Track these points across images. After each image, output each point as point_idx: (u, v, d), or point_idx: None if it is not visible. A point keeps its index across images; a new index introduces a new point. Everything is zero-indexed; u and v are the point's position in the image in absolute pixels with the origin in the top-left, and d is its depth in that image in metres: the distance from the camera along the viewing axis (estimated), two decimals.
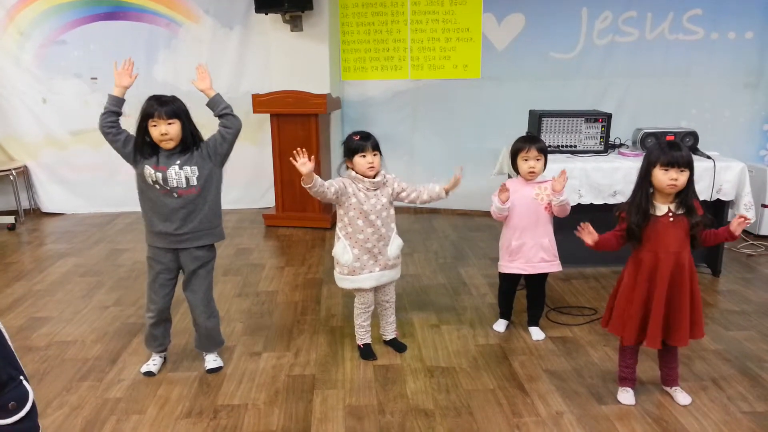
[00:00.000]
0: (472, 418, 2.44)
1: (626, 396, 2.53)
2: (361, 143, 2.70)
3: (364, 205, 2.73)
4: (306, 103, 4.88)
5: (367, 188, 2.74)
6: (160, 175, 2.56)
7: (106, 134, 2.63)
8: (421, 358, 2.93)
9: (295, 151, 2.59)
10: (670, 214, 2.33)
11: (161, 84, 5.48)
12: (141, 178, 2.62)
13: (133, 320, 3.40)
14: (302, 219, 5.17)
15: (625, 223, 2.38)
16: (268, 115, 5.06)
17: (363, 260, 2.77)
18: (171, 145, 2.56)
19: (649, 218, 2.33)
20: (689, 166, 2.28)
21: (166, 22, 5.49)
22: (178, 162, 2.57)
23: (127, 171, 6.25)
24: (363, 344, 2.96)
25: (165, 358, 2.93)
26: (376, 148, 2.72)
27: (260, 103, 4.98)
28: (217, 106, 2.65)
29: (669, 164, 2.26)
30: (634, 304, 2.38)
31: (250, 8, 5.13)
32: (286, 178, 5.15)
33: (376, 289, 2.90)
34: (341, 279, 2.84)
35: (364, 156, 2.69)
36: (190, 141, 2.59)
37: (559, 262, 3.04)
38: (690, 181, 2.31)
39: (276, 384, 2.72)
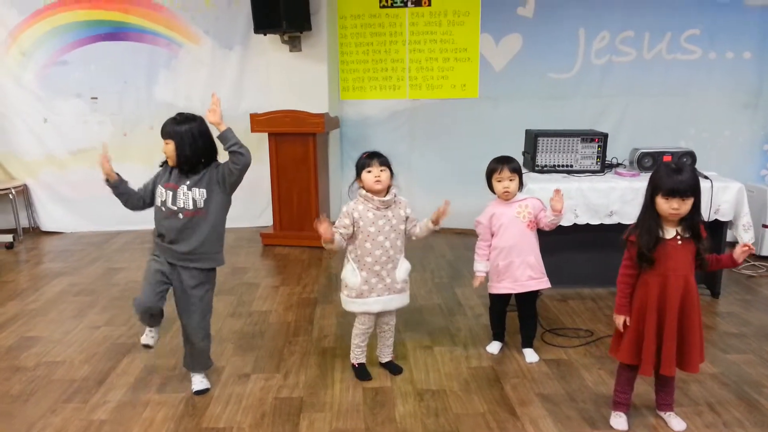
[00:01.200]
0: None
1: (619, 421, 2.48)
2: (367, 159, 2.73)
3: (371, 227, 2.71)
4: (303, 122, 4.89)
5: (377, 207, 2.72)
6: (171, 193, 2.61)
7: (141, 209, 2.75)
8: (412, 381, 2.88)
9: (316, 220, 2.62)
10: (678, 237, 2.29)
11: (161, 104, 5.53)
12: (149, 186, 2.71)
13: (122, 340, 3.38)
14: (299, 238, 5.15)
15: (634, 247, 2.33)
16: (266, 134, 5.07)
17: (371, 283, 2.75)
18: (171, 162, 2.63)
19: (659, 241, 2.28)
20: (694, 192, 2.23)
21: (166, 42, 5.54)
22: (188, 183, 2.61)
23: None
24: (358, 364, 2.93)
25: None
26: (384, 164, 2.73)
27: (258, 122, 4.99)
28: (226, 142, 2.59)
29: (670, 194, 2.22)
30: (647, 332, 2.31)
31: (250, 29, 5.17)
32: (283, 196, 5.15)
33: (380, 312, 2.86)
34: (349, 302, 2.81)
35: (370, 171, 2.70)
36: (189, 162, 2.59)
37: (547, 278, 3.02)
38: (695, 205, 2.25)
39: (263, 407, 2.68)
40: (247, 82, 5.58)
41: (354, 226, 2.72)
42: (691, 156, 3.95)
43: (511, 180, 2.94)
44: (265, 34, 5.12)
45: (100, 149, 6.03)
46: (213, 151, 2.66)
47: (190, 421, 2.57)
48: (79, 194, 5.72)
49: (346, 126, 5.65)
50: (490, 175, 3.01)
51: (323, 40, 5.19)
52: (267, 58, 5.38)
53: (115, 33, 5.49)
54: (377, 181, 2.69)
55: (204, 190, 2.61)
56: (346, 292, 2.80)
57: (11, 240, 5.28)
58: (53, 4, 5.37)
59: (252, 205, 5.76)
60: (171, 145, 2.59)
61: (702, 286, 4.00)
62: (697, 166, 3.99)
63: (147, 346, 2.80)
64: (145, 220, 5.69)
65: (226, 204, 2.71)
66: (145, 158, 5.12)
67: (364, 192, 2.74)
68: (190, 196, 2.60)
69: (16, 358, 3.18)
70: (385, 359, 3.00)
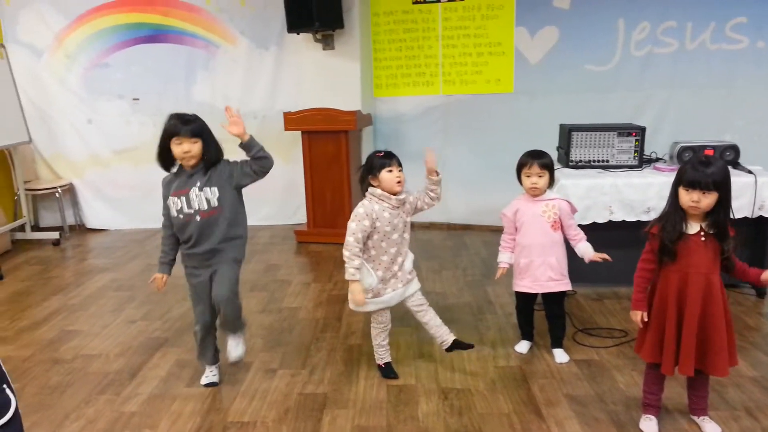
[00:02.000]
0: None
1: (649, 424, 2.39)
2: (386, 159, 2.68)
3: (388, 226, 2.69)
4: (335, 120, 4.91)
5: (393, 206, 2.70)
6: (183, 199, 2.62)
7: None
8: (437, 379, 2.85)
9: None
10: (702, 233, 2.20)
11: (199, 104, 5.64)
12: (166, 211, 2.70)
13: (157, 334, 3.46)
14: (333, 235, 5.16)
15: (656, 240, 2.25)
16: (300, 132, 5.11)
17: (385, 280, 2.75)
18: (192, 162, 2.62)
19: (681, 236, 2.20)
20: (718, 187, 2.12)
21: (204, 44, 5.65)
22: (198, 183, 2.62)
23: None
24: (384, 363, 2.92)
25: (219, 366, 2.94)
26: (400, 165, 2.71)
27: (291, 120, 5.04)
28: (252, 149, 2.61)
29: (691, 185, 2.13)
30: (668, 329, 2.24)
31: (284, 29, 5.21)
32: (317, 194, 5.18)
33: (406, 301, 2.82)
34: (367, 303, 2.74)
35: (391, 171, 2.66)
36: (212, 160, 2.63)
37: (568, 281, 2.95)
38: (721, 201, 2.15)
39: (287, 402, 2.70)
40: (281, 81, 5.64)
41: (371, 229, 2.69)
42: (735, 150, 3.79)
43: (540, 176, 2.88)
44: (298, 33, 5.16)
45: (142, 149, 6.22)
46: (218, 146, 2.68)
47: (216, 415, 2.61)
48: (122, 193, 5.90)
49: (379, 123, 5.64)
50: (519, 169, 2.95)
51: (356, 38, 5.20)
52: (301, 57, 5.42)
53: (155, 35, 5.63)
54: (399, 182, 2.67)
55: (215, 188, 2.62)
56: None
57: (58, 237, 5.48)
58: (96, 8, 5.54)
59: (287, 203, 5.83)
60: (199, 144, 2.59)
61: (747, 286, 3.83)
62: (743, 160, 3.83)
63: (212, 384, 2.85)
64: None
65: (239, 198, 2.73)
66: None
67: (379, 191, 2.69)
68: (203, 196, 2.62)
69: (56, 350, 3.30)
70: (448, 342, 2.85)
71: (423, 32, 5.33)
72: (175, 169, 2.69)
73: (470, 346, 2.89)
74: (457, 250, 4.95)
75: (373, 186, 2.72)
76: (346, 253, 2.66)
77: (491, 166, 5.32)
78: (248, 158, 2.65)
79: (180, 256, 2.77)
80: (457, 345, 2.88)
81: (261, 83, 5.66)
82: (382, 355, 2.91)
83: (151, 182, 5.81)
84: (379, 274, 2.73)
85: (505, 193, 4.98)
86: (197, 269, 2.73)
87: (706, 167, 2.12)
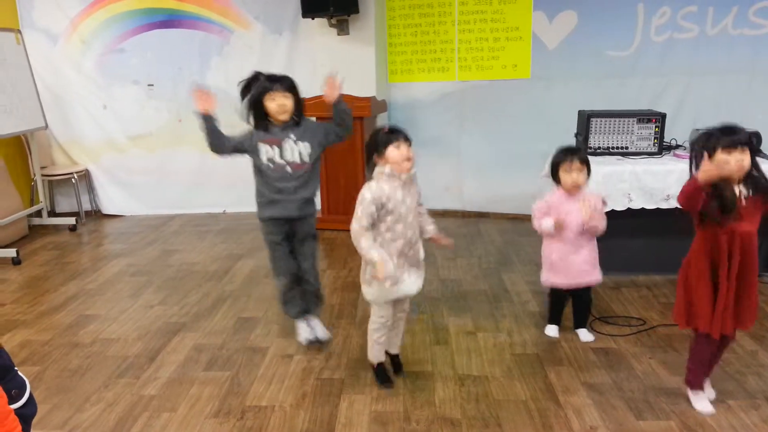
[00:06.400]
0: (500, 429, 2.35)
1: (704, 403, 2.40)
2: (392, 135, 2.41)
3: (402, 206, 2.43)
4: (350, 106, 4.86)
5: (404, 183, 2.44)
6: (277, 149, 2.73)
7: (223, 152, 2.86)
8: (453, 366, 2.85)
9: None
10: (743, 196, 2.19)
11: (214, 90, 5.61)
12: (256, 157, 2.79)
13: (175, 319, 3.48)
14: (347, 222, 5.08)
15: (711, 200, 2.19)
16: (314, 119, 5.08)
17: (403, 267, 2.51)
18: (286, 117, 2.72)
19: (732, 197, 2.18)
20: (749, 144, 2.14)
21: (218, 29, 5.62)
22: (293, 136, 2.75)
23: (180, 172, 6.33)
24: (378, 363, 2.71)
25: (311, 322, 3.13)
26: (409, 141, 2.44)
27: (305, 107, 4.99)
28: (341, 104, 2.84)
29: (732, 145, 2.12)
30: (729, 291, 2.22)
31: (298, 13, 5.18)
32: (331, 181, 5.17)
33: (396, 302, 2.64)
34: (386, 293, 2.50)
35: (399, 147, 2.39)
36: (301, 115, 2.78)
37: (599, 270, 2.94)
38: (753, 159, 2.16)
39: (304, 387, 2.71)
40: (296, 67, 5.58)
41: (381, 210, 2.42)
42: (757, 137, 3.71)
43: (580, 171, 2.83)
44: (313, 18, 5.13)
45: (157, 135, 6.23)
46: (303, 105, 2.82)
47: (235, 399, 2.63)
48: (137, 178, 5.92)
49: (394, 109, 5.60)
50: (556, 166, 2.88)
51: (371, 23, 5.15)
52: (315, 43, 5.38)
53: (170, 20, 5.62)
54: (408, 160, 2.41)
55: (308, 144, 2.76)
56: (378, 284, 2.47)
57: (74, 222, 5.52)
58: None
59: None
60: (291, 99, 2.72)
61: (766, 274, 3.78)
62: (765, 147, 3.78)
63: (317, 341, 3.03)
64: (196, 204, 5.78)
65: (320, 158, 2.94)
66: (200, 144, 5.23)
67: (388, 169, 2.42)
68: (296, 150, 2.75)
69: (74, 334, 3.34)
70: (394, 350, 2.79)
71: (439, 17, 5.28)
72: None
73: (400, 370, 2.77)
74: (471, 238, 4.93)
75: (380, 164, 2.45)
76: (361, 244, 2.41)
77: (507, 154, 5.28)
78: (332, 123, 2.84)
79: (260, 211, 2.90)
80: (395, 359, 2.78)
81: (275, 69, 5.48)
82: (378, 355, 2.69)
83: (166, 168, 5.90)
84: (395, 261, 2.48)
85: (522, 181, 4.99)
86: (283, 224, 2.87)
87: (734, 128, 2.15)
